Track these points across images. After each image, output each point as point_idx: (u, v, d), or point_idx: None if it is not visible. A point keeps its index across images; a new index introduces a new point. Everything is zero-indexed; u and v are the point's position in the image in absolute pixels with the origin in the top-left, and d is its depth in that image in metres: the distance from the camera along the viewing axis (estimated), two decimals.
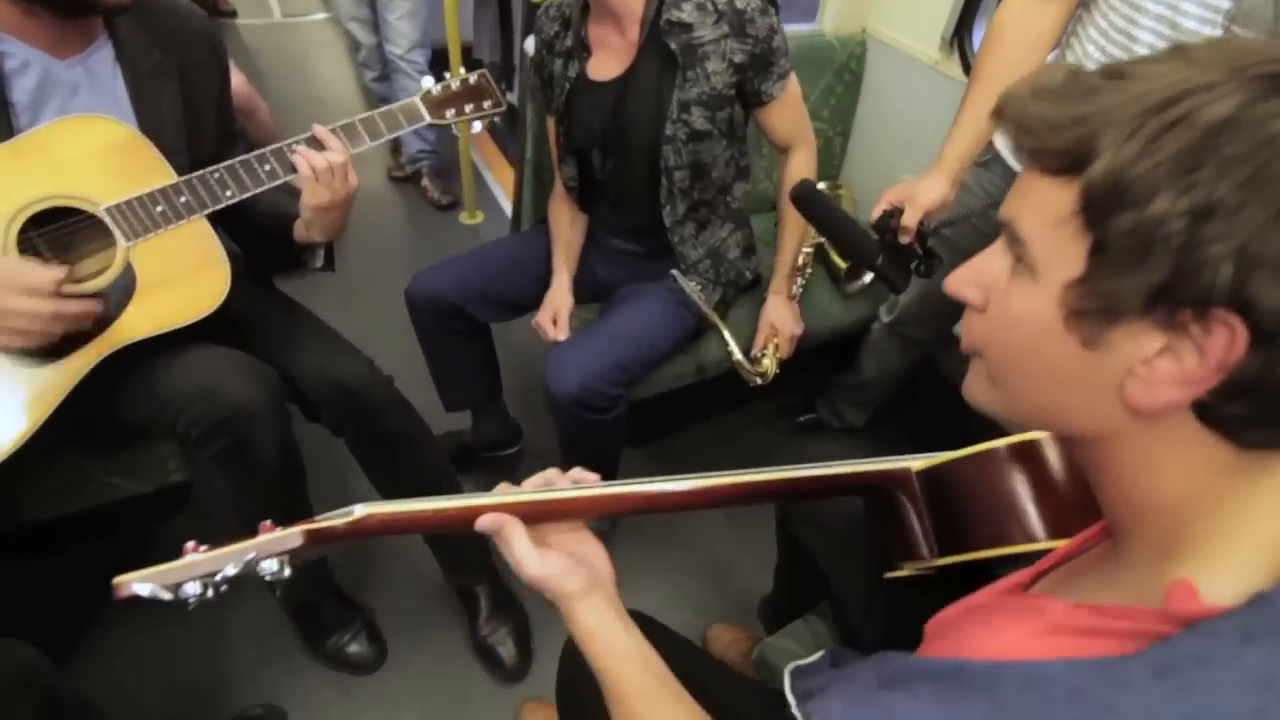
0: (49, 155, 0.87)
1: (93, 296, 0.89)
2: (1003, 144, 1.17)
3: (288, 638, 1.32)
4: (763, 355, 1.36)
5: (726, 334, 1.31)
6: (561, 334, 1.31)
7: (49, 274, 0.83)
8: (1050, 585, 0.51)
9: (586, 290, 1.39)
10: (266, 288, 1.19)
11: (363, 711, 1.27)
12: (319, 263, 1.11)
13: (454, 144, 2.50)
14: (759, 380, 1.34)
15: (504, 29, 2.70)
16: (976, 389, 0.46)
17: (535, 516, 0.60)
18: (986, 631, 0.46)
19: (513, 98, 1.18)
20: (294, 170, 0.97)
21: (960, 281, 0.46)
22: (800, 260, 1.44)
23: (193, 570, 0.55)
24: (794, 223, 1.31)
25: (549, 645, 1.36)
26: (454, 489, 1.30)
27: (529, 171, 1.50)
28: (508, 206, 2.54)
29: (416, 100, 1.08)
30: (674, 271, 1.29)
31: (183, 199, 0.92)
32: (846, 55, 1.70)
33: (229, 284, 0.95)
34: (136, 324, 0.91)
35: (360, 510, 0.57)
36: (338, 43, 3.49)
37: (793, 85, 1.21)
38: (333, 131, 0.99)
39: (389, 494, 1.23)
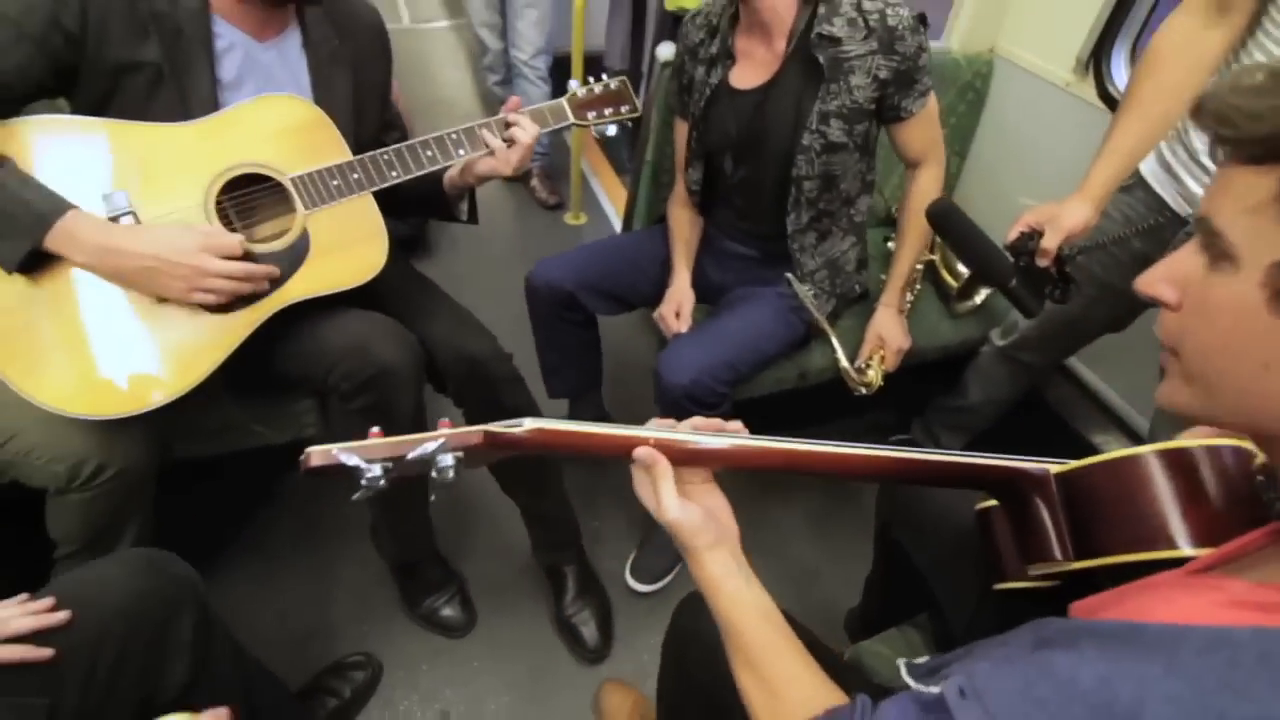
0: (248, 127, 0.98)
1: (272, 261, 0.98)
2: (1149, 169, 1.13)
3: (388, 595, 1.41)
4: (868, 366, 1.36)
5: (835, 342, 1.31)
6: (683, 326, 1.34)
7: (236, 238, 0.94)
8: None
9: (696, 290, 1.42)
10: (406, 263, 1.28)
11: (451, 672, 1.33)
12: (464, 216, 1.22)
13: (564, 149, 2.61)
14: (864, 390, 1.33)
15: (634, 37, 2.79)
16: (1173, 391, 0.47)
17: (680, 459, 0.63)
18: (1159, 602, 0.46)
19: (639, 102, 1.24)
20: (449, 158, 1.06)
21: (1153, 280, 0.47)
22: (911, 275, 1.44)
23: (374, 452, 0.57)
24: (915, 237, 1.32)
25: (627, 633, 1.40)
26: (555, 469, 1.36)
27: (648, 173, 1.56)
28: (610, 210, 2.62)
29: (563, 101, 1.15)
30: (789, 275, 1.31)
31: (355, 175, 1.01)
32: (972, 74, 1.68)
33: (387, 255, 1.04)
34: (306, 284, 1.00)
35: (530, 423, 0.61)
36: (461, 48, 3.69)
37: (931, 102, 1.22)
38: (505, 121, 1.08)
39: (496, 464, 1.29)
